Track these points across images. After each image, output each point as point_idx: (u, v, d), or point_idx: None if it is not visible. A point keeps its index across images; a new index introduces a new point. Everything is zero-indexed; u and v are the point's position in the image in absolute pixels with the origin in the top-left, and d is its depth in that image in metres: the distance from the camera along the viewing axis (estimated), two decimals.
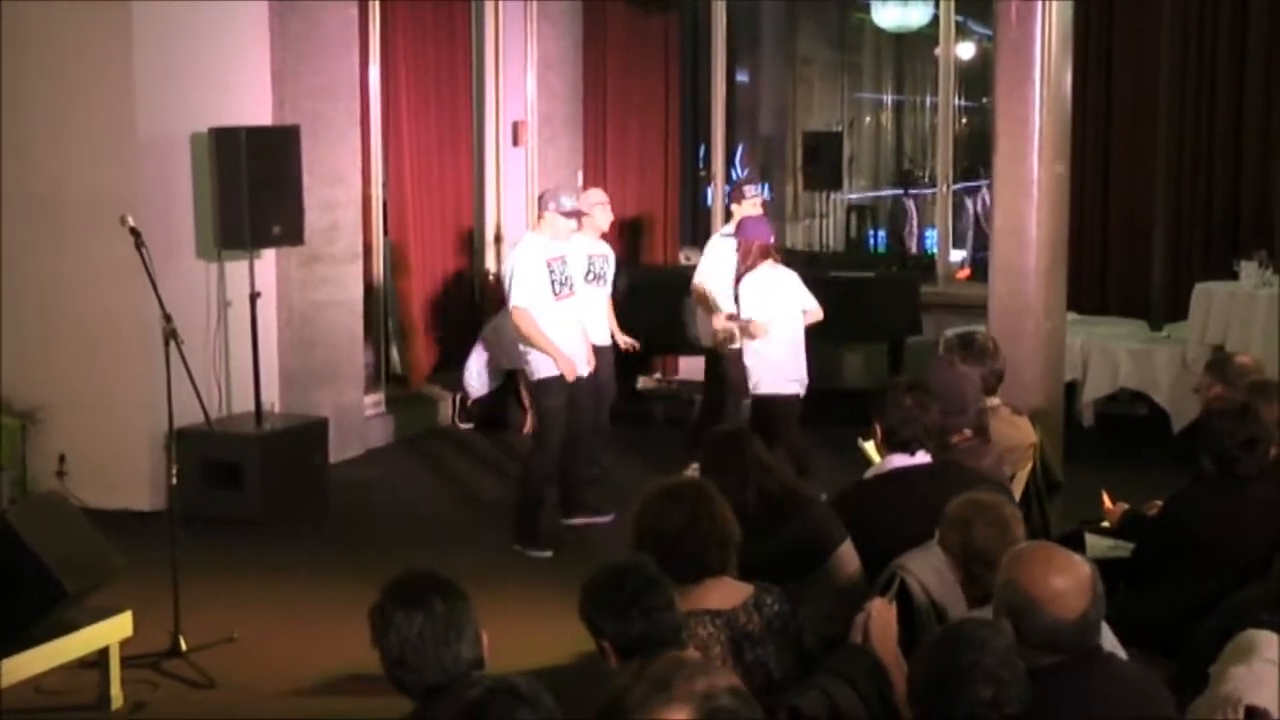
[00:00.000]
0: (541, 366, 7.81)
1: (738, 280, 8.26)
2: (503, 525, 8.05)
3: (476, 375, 10.62)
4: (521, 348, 7.88)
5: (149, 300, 6.42)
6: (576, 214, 8.02)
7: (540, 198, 8.10)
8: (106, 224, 7.10)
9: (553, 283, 7.83)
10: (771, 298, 8.14)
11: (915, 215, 14.50)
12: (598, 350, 8.54)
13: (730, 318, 8.46)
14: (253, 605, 6.98)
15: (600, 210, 8.80)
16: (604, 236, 8.98)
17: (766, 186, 14.90)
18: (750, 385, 8.22)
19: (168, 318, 6.28)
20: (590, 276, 8.66)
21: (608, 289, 8.91)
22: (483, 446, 10.33)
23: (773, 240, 8.41)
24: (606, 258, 8.90)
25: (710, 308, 8.84)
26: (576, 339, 8.00)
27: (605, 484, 8.76)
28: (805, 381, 8.24)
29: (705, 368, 9.15)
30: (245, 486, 8.39)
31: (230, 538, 8.04)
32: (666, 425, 10.69)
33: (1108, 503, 5.76)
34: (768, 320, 8.09)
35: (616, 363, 9.05)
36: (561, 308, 7.87)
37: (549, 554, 7.75)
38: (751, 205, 8.91)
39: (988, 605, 3.51)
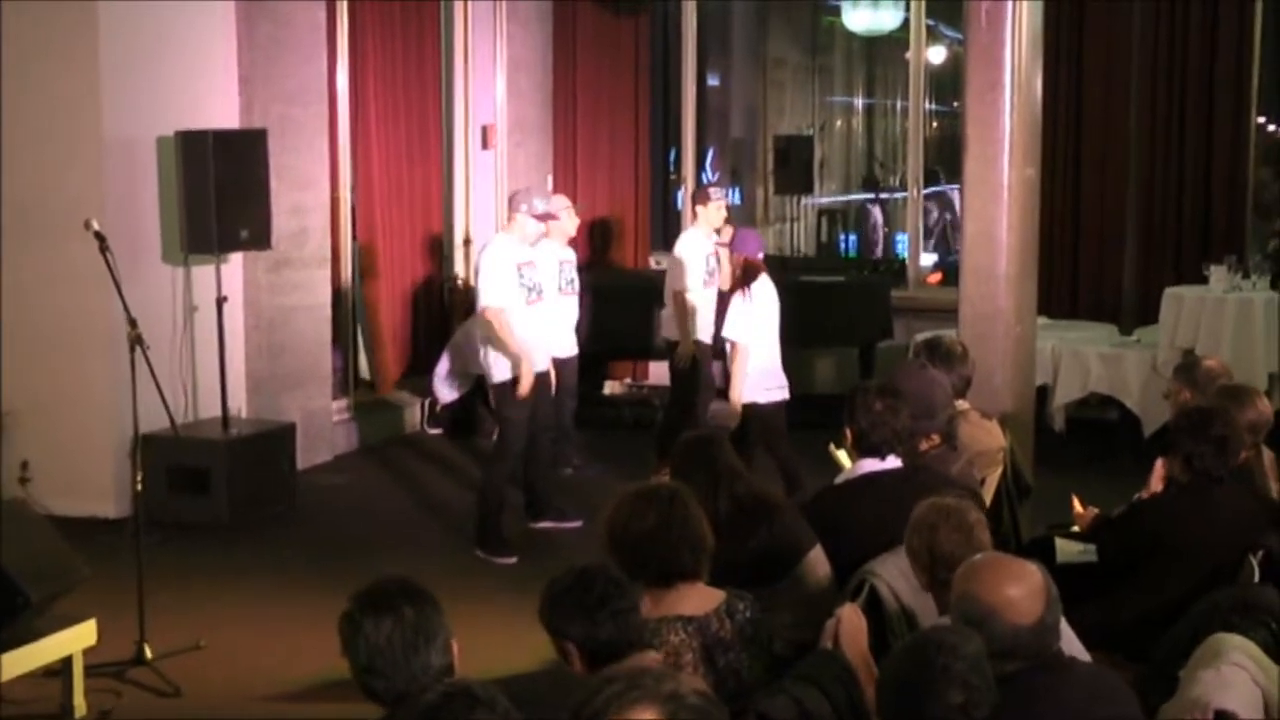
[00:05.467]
0: (503, 371, 7.77)
1: (726, 297, 8.20)
2: (470, 532, 8.03)
3: (445, 381, 10.62)
4: (483, 351, 7.83)
5: (114, 305, 6.39)
6: (547, 217, 8.01)
7: (511, 199, 8.02)
8: (71, 228, 7.06)
9: (523, 288, 7.81)
10: (759, 314, 8.11)
11: (891, 219, 14.54)
12: (562, 360, 8.53)
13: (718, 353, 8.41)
14: (219, 613, 6.96)
15: (566, 215, 8.82)
16: (571, 242, 8.98)
17: (737, 190, 14.93)
18: (735, 395, 8.13)
19: (133, 322, 6.25)
20: (566, 282, 8.66)
21: (576, 298, 8.93)
22: (451, 453, 10.31)
23: (763, 255, 8.37)
24: (574, 264, 8.91)
25: (686, 327, 8.69)
26: (539, 348, 7.94)
27: (573, 489, 8.75)
28: (786, 386, 8.25)
29: (669, 370, 9.16)
30: (212, 492, 8.37)
31: (196, 544, 8.02)
32: (635, 430, 10.70)
33: (1078, 507, 5.79)
34: (751, 341, 8.05)
35: (581, 368, 9.04)
36: (532, 314, 7.86)
37: (513, 559, 7.72)
38: (716, 209, 8.89)
39: None
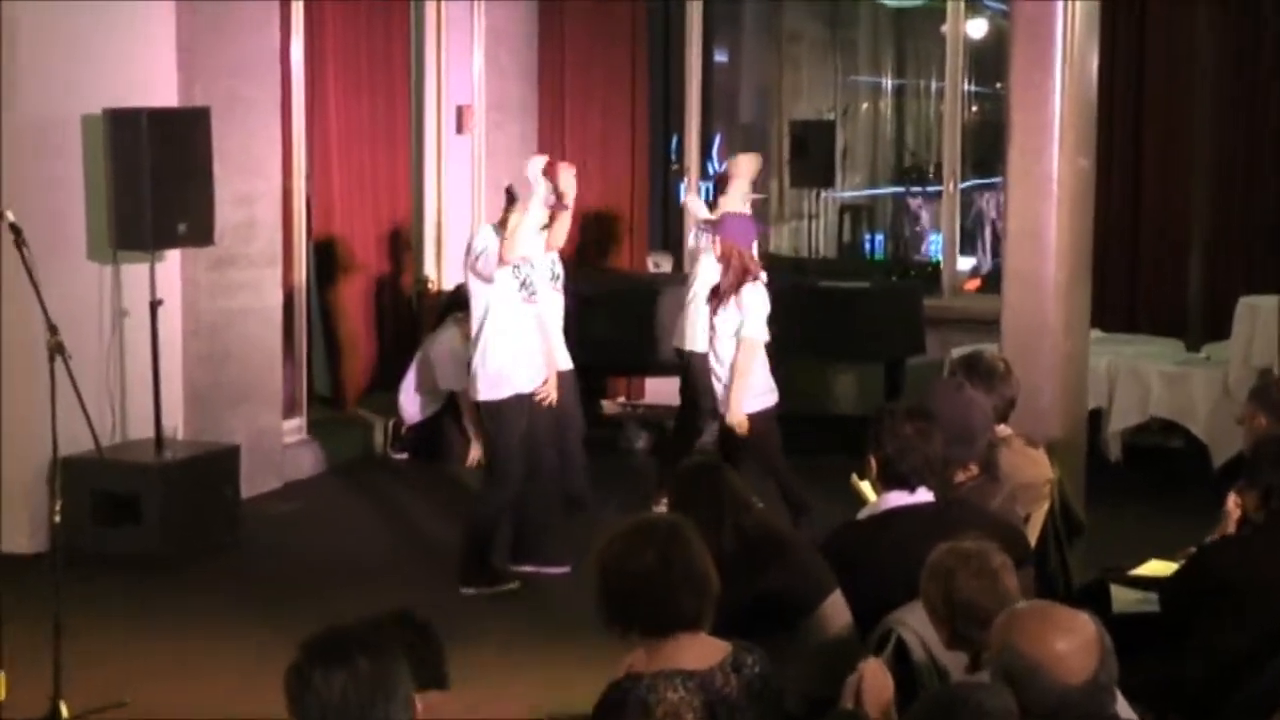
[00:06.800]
0: (494, 387, 7.79)
1: (715, 303, 8.18)
2: (440, 569, 8.02)
3: (413, 398, 10.61)
4: (474, 366, 7.85)
5: (32, 309, 6.37)
6: (559, 204, 8.10)
7: (510, 190, 8.06)
8: None
9: (519, 284, 7.84)
10: (753, 322, 8.09)
11: (926, 217, 14.54)
12: (561, 374, 8.51)
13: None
14: (148, 663, 6.93)
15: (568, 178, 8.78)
16: (570, 239, 8.98)
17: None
18: (736, 405, 8.11)
19: (53, 329, 6.23)
20: (552, 277, 8.68)
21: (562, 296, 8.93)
22: (420, 479, 10.30)
23: (756, 244, 8.38)
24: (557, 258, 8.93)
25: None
26: (536, 351, 7.99)
27: (573, 528, 8.62)
28: (775, 390, 8.23)
29: (680, 387, 9.16)
30: (143, 524, 8.34)
31: (124, 584, 7.99)
32: (631, 455, 10.67)
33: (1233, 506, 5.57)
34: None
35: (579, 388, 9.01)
36: (528, 313, 7.89)
37: (515, 584, 7.88)
38: (741, 199, 8.94)
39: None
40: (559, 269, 8.79)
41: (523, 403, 7.84)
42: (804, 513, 7.97)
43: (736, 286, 8.09)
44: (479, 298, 7.84)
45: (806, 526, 7.61)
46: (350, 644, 3.25)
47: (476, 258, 7.79)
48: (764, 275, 8.26)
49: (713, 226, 8.61)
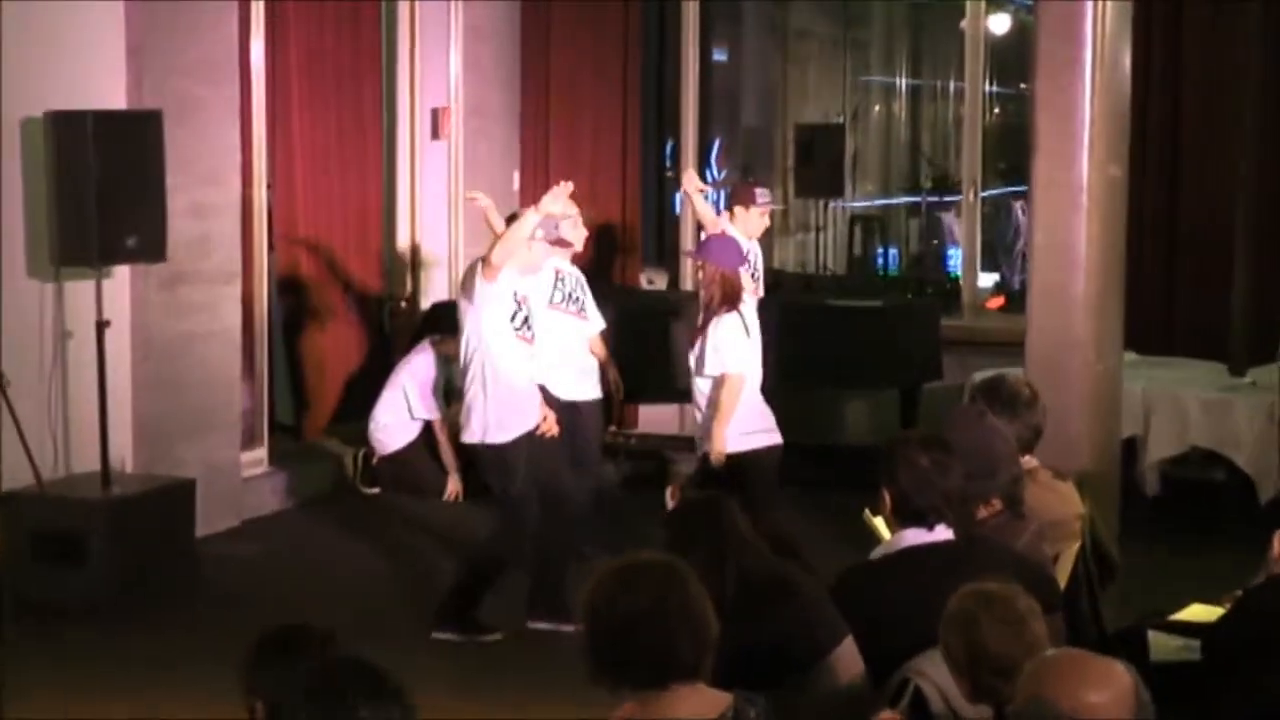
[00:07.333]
0: (488, 430, 7.76)
1: (699, 331, 8.15)
2: (417, 615, 8.00)
3: (385, 426, 10.61)
4: (467, 404, 7.82)
5: None
6: (561, 243, 8.17)
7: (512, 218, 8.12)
8: None
9: (514, 318, 7.84)
10: (741, 350, 8.04)
11: (944, 229, 14.56)
12: (580, 406, 8.48)
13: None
14: (95, 718, 6.89)
15: (569, 225, 8.76)
16: (575, 259, 8.97)
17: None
18: (719, 437, 8.07)
19: None
20: (560, 299, 8.65)
21: (592, 321, 8.90)
22: (392, 515, 10.29)
23: (742, 270, 8.31)
24: (579, 280, 8.90)
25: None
26: (533, 392, 8.01)
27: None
28: (775, 429, 8.19)
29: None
30: (88, 565, 8.31)
31: (68, 630, 7.97)
32: (625, 490, 10.66)
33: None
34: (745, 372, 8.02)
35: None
36: (522, 350, 7.88)
37: (497, 635, 7.82)
38: (760, 216, 8.95)
39: None
40: (572, 289, 8.78)
41: (520, 445, 7.83)
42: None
43: (712, 313, 8.03)
44: (472, 334, 7.80)
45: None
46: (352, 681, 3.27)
47: (465, 278, 7.78)
48: (751, 299, 8.21)
49: (697, 249, 8.61)
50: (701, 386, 8.08)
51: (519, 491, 7.87)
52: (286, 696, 3.32)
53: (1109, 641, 5.57)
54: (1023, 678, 3.51)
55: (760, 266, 9.28)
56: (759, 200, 9.14)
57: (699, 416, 8.13)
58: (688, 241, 12.47)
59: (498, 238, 7.79)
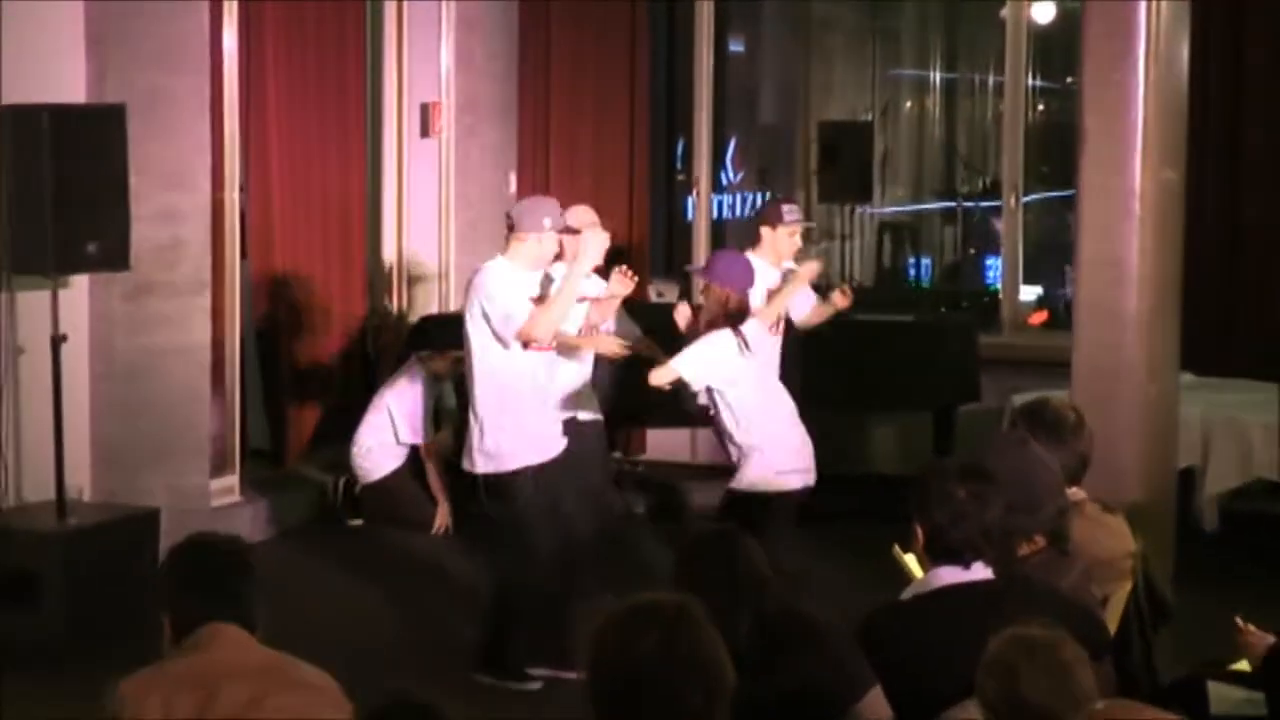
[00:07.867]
0: (495, 460, 7.78)
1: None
2: (407, 658, 8.02)
3: (369, 451, 10.61)
4: (481, 429, 7.81)
5: None
6: (569, 231, 8.05)
7: (514, 216, 8.04)
8: None
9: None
10: (722, 369, 8.04)
11: (983, 237, 14.57)
12: (581, 423, 8.47)
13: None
14: None
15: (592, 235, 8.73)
16: (596, 270, 8.93)
17: (763, 197, 14.88)
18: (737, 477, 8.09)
19: None
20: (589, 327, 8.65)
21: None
22: (377, 548, 10.32)
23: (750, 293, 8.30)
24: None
25: None
26: (549, 411, 8.03)
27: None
28: (811, 469, 8.16)
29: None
30: (43, 603, 8.33)
31: (19, 674, 7.93)
32: (633, 522, 10.66)
33: (1245, 631, 5.70)
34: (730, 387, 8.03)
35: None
36: (531, 364, 7.87)
37: (536, 686, 7.92)
38: (789, 236, 8.90)
39: None
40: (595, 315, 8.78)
41: (532, 470, 7.85)
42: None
43: (710, 329, 8.04)
44: (482, 360, 7.80)
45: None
46: None
47: (490, 315, 7.75)
48: (757, 323, 8.18)
49: (704, 267, 8.59)
50: (725, 418, 8.08)
51: (524, 517, 7.88)
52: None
53: (1164, 693, 5.56)
54: None
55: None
56: (787, 218, 8.95)
57: (732, 452, 8.10)
58: (700, 251, 12.49)
59: (542, 310, 7.75)
